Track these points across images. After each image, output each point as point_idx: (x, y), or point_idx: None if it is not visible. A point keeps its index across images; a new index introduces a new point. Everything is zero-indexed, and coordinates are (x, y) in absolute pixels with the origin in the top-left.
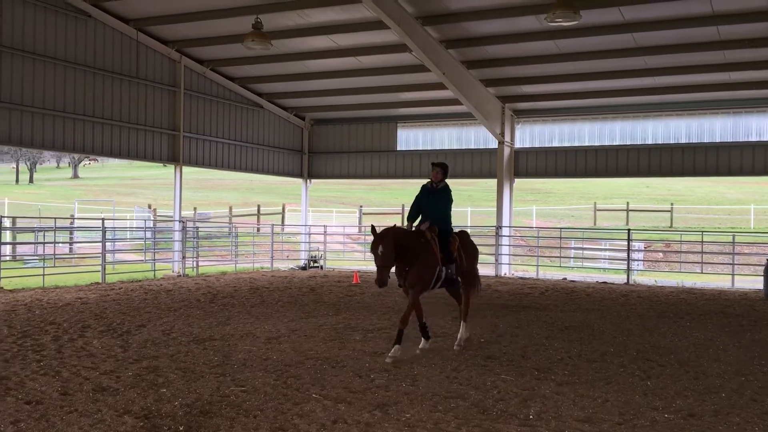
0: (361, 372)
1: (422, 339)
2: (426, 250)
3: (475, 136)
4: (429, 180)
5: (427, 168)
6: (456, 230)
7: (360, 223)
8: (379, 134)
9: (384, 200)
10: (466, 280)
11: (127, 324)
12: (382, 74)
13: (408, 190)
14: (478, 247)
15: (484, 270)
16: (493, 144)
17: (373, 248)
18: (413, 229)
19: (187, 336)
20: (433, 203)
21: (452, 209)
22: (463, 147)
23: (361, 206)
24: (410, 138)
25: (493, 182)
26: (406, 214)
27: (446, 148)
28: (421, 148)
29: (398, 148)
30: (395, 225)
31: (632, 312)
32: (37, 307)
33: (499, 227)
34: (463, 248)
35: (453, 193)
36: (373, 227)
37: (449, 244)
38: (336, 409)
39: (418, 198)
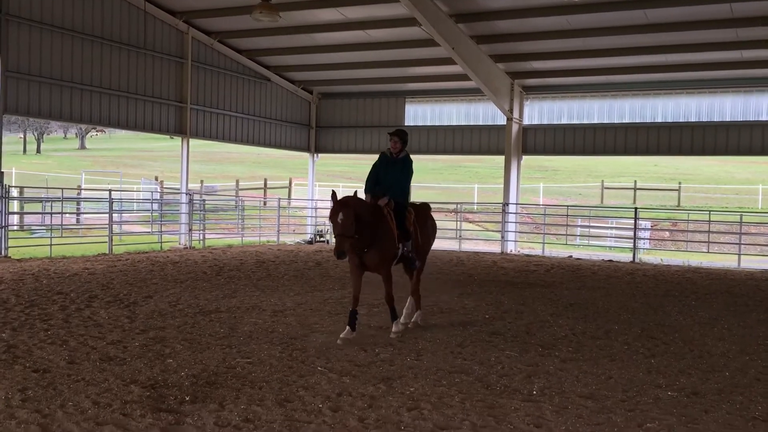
0: (366, 346)
1: (347, 327)
2: (384, 227)
3: (484, 113)
4: (388, 148)
5: (435, 143)
6: (421, 203)
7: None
8: (387, 109)
9: None
10: (418, 256)
11: (134, 295)
12: (390, 48)
13: (415, 166)
14: (437, 224)
15: (491, 247)
16: (502, 120)
17: (332, 216)
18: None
19: (194, 308)
20: (392, 174)
21: (412, 182)
22: (471, 123)
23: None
24: (418, 113)
25: (501, 159)
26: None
27: (454, 123)
28: (429, 124)
29: (406, 124)
30: (356, 193)
31: (637, 290)
32: (45, 276)
33: (505, 204)
34: (422, 224)
35: (415, 165)
36: (334, 193)
37: (405, 219)
38: (341, 382)
39: (375, 167)
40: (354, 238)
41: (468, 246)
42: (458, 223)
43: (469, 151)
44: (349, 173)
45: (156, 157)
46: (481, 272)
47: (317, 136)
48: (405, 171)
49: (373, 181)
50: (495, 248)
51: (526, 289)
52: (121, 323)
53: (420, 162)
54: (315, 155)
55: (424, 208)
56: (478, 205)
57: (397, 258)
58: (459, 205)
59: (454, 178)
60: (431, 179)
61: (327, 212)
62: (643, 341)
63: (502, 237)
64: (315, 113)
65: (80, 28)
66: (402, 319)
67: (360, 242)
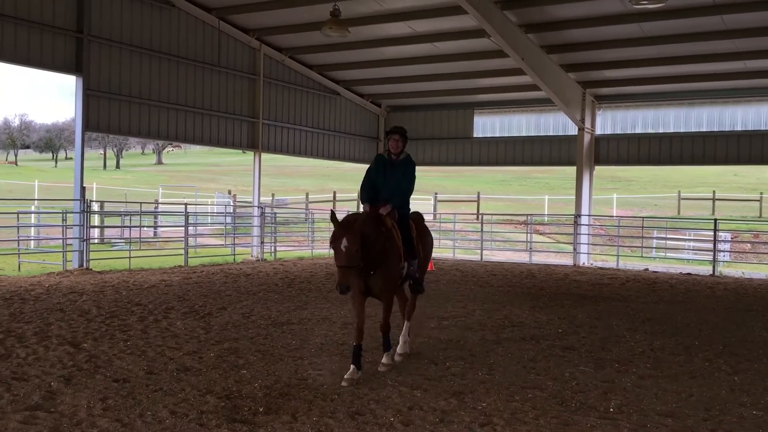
0: (437, 359)
1: (351, 366)
2: (390, 244)
3: (554, 123)
4: (386, 150)
5: (504, 155)
6: (414, 212)
7: (435, 210)
8: (456, 121)
9: (459, 187)
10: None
11: (209, 306)
12: (459, 60)
13: (484, 177)
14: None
15: (562, 259)
16: (573, 131)
17: (334, 242)
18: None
19: (266, 319)
20: (392, 179)
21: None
22: (542, 134)
23: (436, 193)
24: (487, 125)
25: (572, 170)
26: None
27: (524, 134)
28: (498, 135)
29: (475, 135)
30: (360, 212)
31: (718, 305)
32: (124, 288)
33: (578, 216)
34: (421, 238)
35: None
36: (333, 214)
37: (411, 233)
38: (412, 396)
39: (372, 172)
40: (359, 266)
41: (539, 258)
42: (528, 235)
43: (539, 162)
44: (417, 186)
45: (229, 172)
46: (553, 285)
47: (385, 148)
48: (407, 176)
49: (371, 189)
50: (567, 261)
51: (600, 302)
52: (196, 334)
53: (489, 174)
54: None
55: (420, 219)
56: (548, 216)
57: (402, 279)
58: (529, 217)
59: (523, 190)
60: (501, 191)
61: None
62: (726, 358)
63: (575, 249)
64: (383, 126)
65: (157, 47)
66: (399, 349)
67: (365, 266)
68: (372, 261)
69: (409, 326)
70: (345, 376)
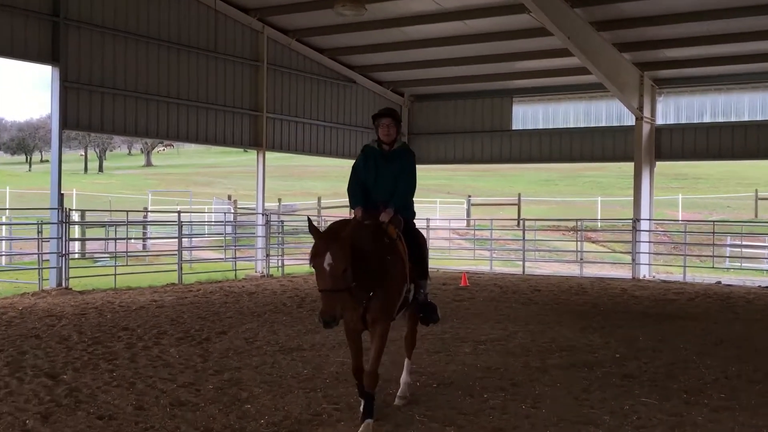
0: (473, 390)
1: (364, 419)
2: (393, 259)
3: (607, 112)
4: (375, 140)
5: (549, 149)
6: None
7: (468, 215)
8: (491, 111)
9: (496, 188)
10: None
11: (207, 330)
12: (493, 40)
13: (525, 176)
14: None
15: (619, 271)
16: (629, 120)
17: (315, 259)
18: (366, 220)
19: (273, 345)
20: (388, 177)
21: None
22: (592, 125)
23: (469, 196)
24: (528, 115)
25: (629, 166)
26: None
27: (571, 126)
28: (540, 127)
29: (513, 128)
30: (351, 217)
31: None
32: (109, 310)
33: (636, 220)
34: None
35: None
36: (311, 222)
37: (421, 245)
38: None
39: (359, 169)
40: (351, 289)
41: (591, 270)
42: (579, 243)
43: (589, 157)
44: (446, 186)
45: (228, 174)
46: (609, 302)
47: (411, 144)
48: (407, 171)
49: (360, 189)
50: (624, 273)
51: (664, 322)
52: (193, 363)
53: (531, 172)
54: None
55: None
56: (602, 221)
57: (403, 304)
58: (579, 222)
59: (572, 191)
60: (545, 191)
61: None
62: None
63: (633, 260)
64: (407, 118)
65: (145, 31)
66: (399, 392)
67: (361, 289)
68: (370, 282)
69: (410, 365)
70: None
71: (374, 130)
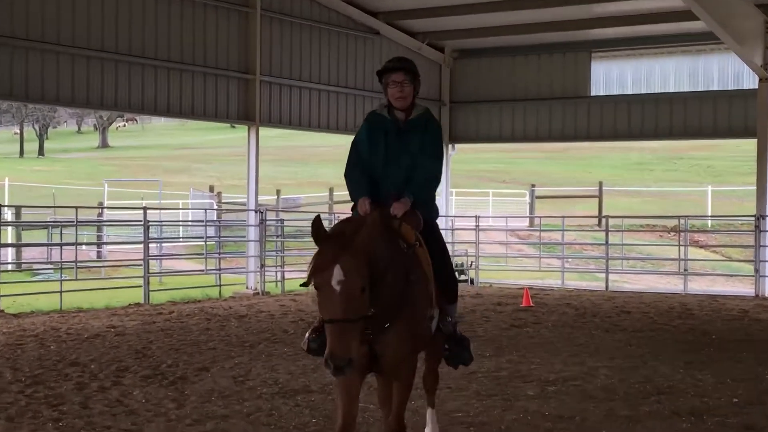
0: None
1: None
2: (414, 276)
3: (720, 71)
4: (384, 105)
5: (641, 122)
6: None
7: (532, 212)
8: (562, 70)
9: (569, 175)
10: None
11: (183, 366)
12: None
13: (608, 158)
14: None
15: (737, 286)
16: (751, 82)
17: (321, 274)
18: (373, 218)
19: (271, 386)
20: (402, 158)
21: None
22: (699, 89)
23: (533, 186)
24: (612, 75)
25: (751, 144)
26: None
27: (670, 90)
28: (629, 92)
29: (592, 93)
30: (359, 216)
31: None
32: (53, 339)
33: (761, 218)
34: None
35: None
36: (317, 222)
37: (446, 254)
38: None
39: (362, 145)
40: (367, 319)
41: (699, 285)
42: (682, 249)
43: (696, 133)
44: (502, 173)
45: (210, 157)
46: (723, 328)
47: (452, 117)
48: (431, 148)
49: (364, 175)
50: (745, 289)
51: None
52: (164, 409)
53: (616, 152)
54: (450, 147)
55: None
56: (713, 219)
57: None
58: (682, 221)
59: (672, 177)
60: (635, 179)
61: (469, 235)
62: None
63: (757, 270)
64: (448, 82)
65: None
66: None
67: (375, 318)
68: (384, 308)
69: (434, 415)
70: None
71: (383, 91)
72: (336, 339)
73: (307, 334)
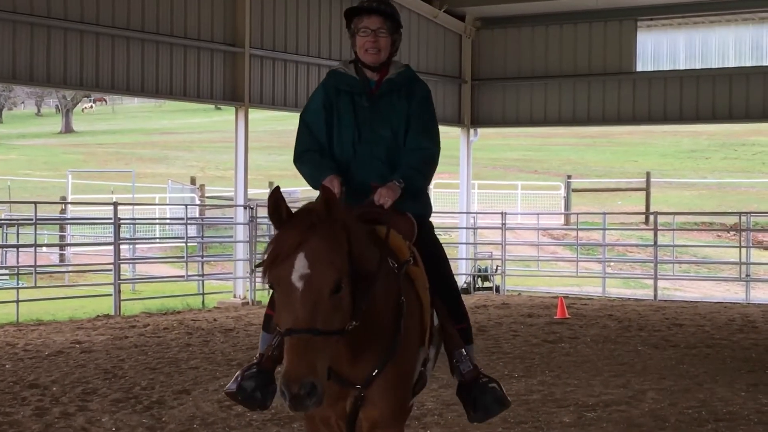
0: None
1: None
2: (408, 304)
3: None
4: (350, 60)
5: (695, 103)
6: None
7: (567, 207)
8: (603, 42)
9: (611, 164)
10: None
11: (159, 389)
12: None
13: (657, 146)
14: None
15: None
16: None
17: (276, 265)
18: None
19: (262, 411)
20: (381, 129)
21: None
22: (764, 63)
23: (569, 177)
24: (660, 48)
25: None
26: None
27: (730, 65)
28: (681, 67)
29: (638, 68)
30: (331, 191)
31: None
32: (8, 357)
33: None
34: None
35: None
36: (277, 194)
37: (448, 272)
38: None
39: (316, 115)
40: (346, 333)
41: (764, 293)
42: (744, 251)
43: (760, 115)
44: (533, 162)
45: (191, 144)
46: None
47: (474, 96)
48: (423, 119)
49: (324, 156)
50: None
51: None
52: None
53: (666, 138)
54: (472, 132)
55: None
56: None
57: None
58: (744, 218)
59: (732, 167)
60: (688, 169)
61: (495, 235)
62: None
63: None
64: (470, 55)
65: None
66: None
67: (358, 349)
68: (369, 342)
69: None
70: None
71: (351, 42)
72: (295, 356)
73: (239, 372)
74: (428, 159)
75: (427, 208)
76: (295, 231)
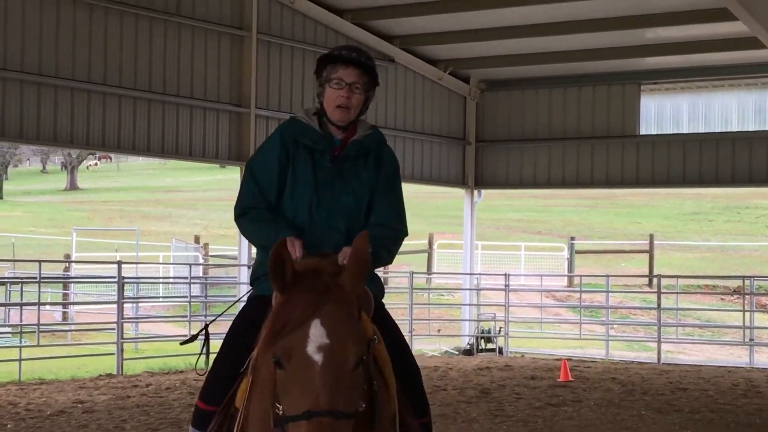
0: None
1: None
2: (377, 388)
3: None
4: (311, 109)
5: (698, 167)
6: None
7: (571, 269)
8: (607, 105)
9: (614, 226)
10: None
11: None
12: None
13: (660, 208)
14: None
15: None
16: None
17: (287, 335)
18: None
19: None
20: (342, 196)
21: None
22: (767, 128)
23: (572, 239)
24: (664, 112)
25: None
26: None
27: (734, 129)
28: (684, 131)
29: (641, 132)
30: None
31: None
32: (10, 417)
33: None
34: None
35: None
36: (283, 248)
37: (405, 344)
38: None
39: (267, 169)
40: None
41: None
42: (748, 315)
43: (763, 179)
44: (536, 223)
45: (196, 202)
46: None
47: (479, 157)
48: (392, 194)
49: (276, 214)
50: None
51: None
52: None
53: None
54: (476, 193)
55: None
56: None
57: None
58: (748, 281)
59: (735, 230)
60: (692, 231)
61: (498, 296)
62: None
63: None
64: (474, 117)
65: None
66: None
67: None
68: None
69: None
70: None
71: (317, 92)
72: None
73: None
74: (397, 240)
75: (382, 291)
76: (307, 295)
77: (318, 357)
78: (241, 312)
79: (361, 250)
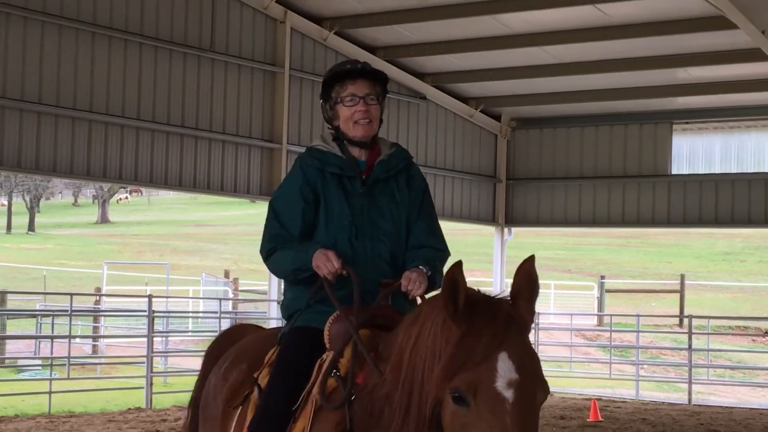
0: None
1: None
2: None
3: None
4: (326, 136)
5: (730, 206)
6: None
7: (601, 308)
8: (638, 144)
9: (645, 265)
10: None
11: None
12: (643, 35)
13: (692, 247)
14: None
15: None
16: None
17: (472, 368)
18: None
19: None
20: (381, 222)
21: None
22: None
23: (602, 277)
24: (696, 151)
25: None
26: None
27: (766, 169)
28: (717, 171)
29: (673, 171)
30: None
31: None
32: None
33: None
34: None
35: None
36: (458, 269)
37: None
38: None
39: (294, 202)
40: None
41: None
42: None
43: None
44: (566, 262)
45: (226, 236)
46: None
47: (509, 195)
48: (429, 213)
49: (299, 253)
50: None
51: None
52: None
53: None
54: (506, 230)
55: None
56: None
57: None
58: None
59: (765, 270)
60: (724, 272)
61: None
62: None
63: None
64: (506, 155)
65: (105, 19)
66: None
67: None
68: None
69: None
70: None
71: (325, 111)
72: None
73: None
74: (443, 262)
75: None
76: (491, 326)
77: (509, 394)
78: (288, 345)
79: (532, 274)
